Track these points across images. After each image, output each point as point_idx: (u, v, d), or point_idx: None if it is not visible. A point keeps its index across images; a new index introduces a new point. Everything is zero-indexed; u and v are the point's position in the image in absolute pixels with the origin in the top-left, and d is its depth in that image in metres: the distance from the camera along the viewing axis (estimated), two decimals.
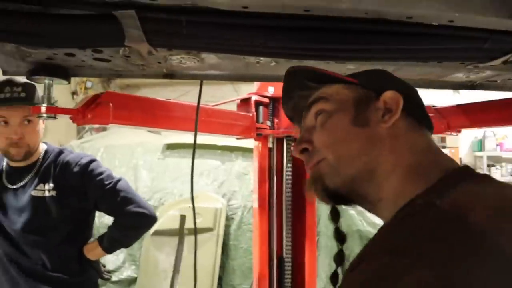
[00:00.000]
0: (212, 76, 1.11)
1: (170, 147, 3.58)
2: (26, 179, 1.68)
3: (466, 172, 0.63)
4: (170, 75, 1.09)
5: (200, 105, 1.30)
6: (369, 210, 0.71)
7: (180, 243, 3.02)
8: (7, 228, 1.67)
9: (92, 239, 1.78)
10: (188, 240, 3.00)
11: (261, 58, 0.94)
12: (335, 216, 1.87)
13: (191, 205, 1.41)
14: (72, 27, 0.72)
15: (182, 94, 5.71)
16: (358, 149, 0.67)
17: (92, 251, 1.73)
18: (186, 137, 2.80)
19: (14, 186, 1.69)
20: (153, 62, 0.97)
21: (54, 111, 1.05)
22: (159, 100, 1.29)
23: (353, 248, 2.59)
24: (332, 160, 0.68)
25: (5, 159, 1.72)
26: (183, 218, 3.03)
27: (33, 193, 1.64)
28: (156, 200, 3.27)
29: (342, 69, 0.99)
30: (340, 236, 2.02)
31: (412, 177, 0.63)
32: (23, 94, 1.56)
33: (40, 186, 1.65)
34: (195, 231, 1.59)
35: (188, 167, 1.61)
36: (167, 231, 3.03)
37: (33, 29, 0.72)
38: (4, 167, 1.74)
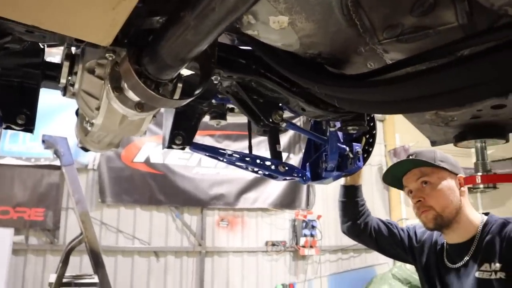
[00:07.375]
0: None
1: None
2: (467, 257, 1.49)
3: None
4: None
5: None
6: None
7: None
8: None
9: None
10: None
11: None
12: None
13: None
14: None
15: None
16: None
17: None
18: None
19: (455, 266, 1.53)
20: None
21: (493, 179, 0.85)
22: None
23: None
24: None
25: (442, 236, 1.59)
26: None
27: (477, 274, 1.44)
28: None
29: None
30: None
31: None
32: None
33: (485, 266, 1.42)
34: None
35: None
36: None
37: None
38: (444, 245, 1.60)
